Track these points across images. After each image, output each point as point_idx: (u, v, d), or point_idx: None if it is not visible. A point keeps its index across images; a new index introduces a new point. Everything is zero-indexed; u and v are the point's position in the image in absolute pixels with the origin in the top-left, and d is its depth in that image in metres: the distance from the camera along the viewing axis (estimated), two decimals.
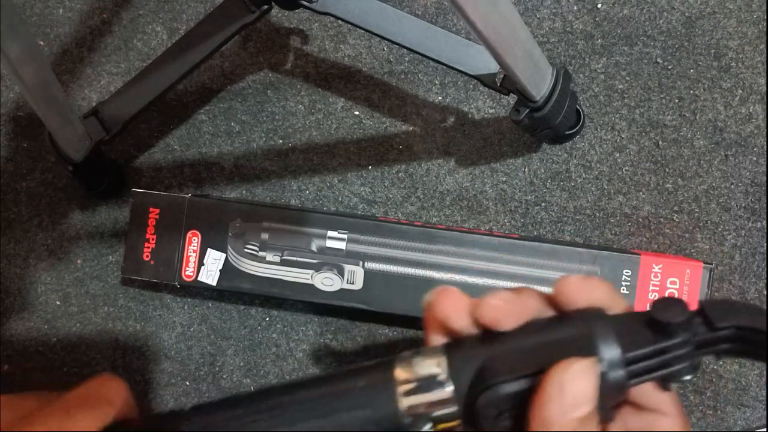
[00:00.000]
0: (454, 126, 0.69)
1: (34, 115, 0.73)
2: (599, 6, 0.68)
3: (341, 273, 0.63)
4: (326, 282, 0.64)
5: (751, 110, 0.66)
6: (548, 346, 0.32)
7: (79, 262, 0.72)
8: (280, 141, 0.71)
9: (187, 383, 0.71)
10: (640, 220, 0.67)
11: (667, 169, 0.67)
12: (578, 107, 0.66)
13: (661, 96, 0.67)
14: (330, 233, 0.64)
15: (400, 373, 0.34)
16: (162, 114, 0.72)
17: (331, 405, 0.35)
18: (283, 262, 0.64)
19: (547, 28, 0.69)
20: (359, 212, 0.70)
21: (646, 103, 0.67)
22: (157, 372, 0.71)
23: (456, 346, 0.35)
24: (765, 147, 0.66)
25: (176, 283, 0.66)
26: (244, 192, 0.71)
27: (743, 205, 0.66)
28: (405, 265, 0.63)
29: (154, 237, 0.66)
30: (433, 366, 0.34)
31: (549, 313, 0.35)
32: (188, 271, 0.65)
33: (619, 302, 0.34)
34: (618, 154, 0.67)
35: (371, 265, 0.63)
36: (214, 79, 0.72)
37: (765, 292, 0.66)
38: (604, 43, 0.68)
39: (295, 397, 0.36)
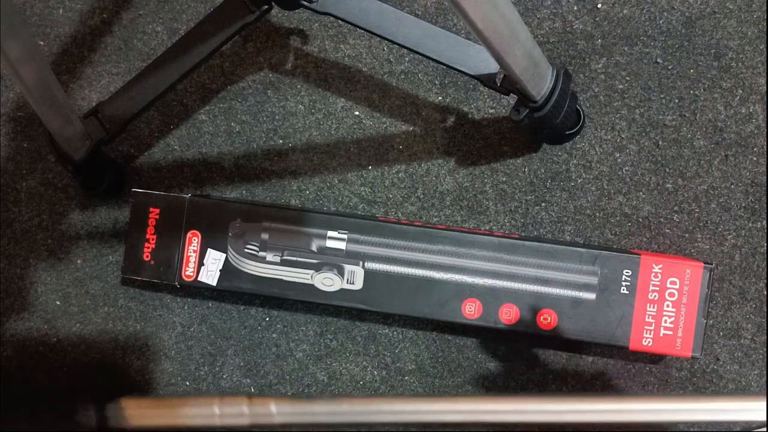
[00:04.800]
0: (454, 126, 0.69)
1: (34, 115, 0.73)
2: (599, 6, 0.68)
3: (341, 273, 0.63)
4: (326, 282, 0.64)
5: (751, 110, 0.66)
6: None
7: (79, 262, 0.72)
8: (280, 141, 0.71)
9: (187, 383, 0.71)
10: (640, 220, 0.67)
11: (667, 169, 0.67)
12: (578, 107, 0.66)
13: (661, 96, 0.67)
14: (330, 233, 0.64)
15: None
16: (162, 114, 0.72)
17: None
18: (283, 262, 0.64)
19: (547, 28, 0.69)
20: (359, 212, 0.70)
21: (646, 103, 0.67)
22: (157, 372, 0.71)
23: None
24: (765, 147, 0.66)
25: (176, 283, 0.66)
26: (244, 192, 0.71)
27: (743, 205, 0.66)
28: (405, 265, 0.63)
29: (154, 237, 0.66)
30: None
31: None
32: (188, 271, 0.65)
33: None
34: (618, 154, 0.67)
35: (371, 265, 0.63)
36: (214, 79, 0.72)
37: (765, 292, 0.66)
38: (604, 43, 0.68)
39: None
